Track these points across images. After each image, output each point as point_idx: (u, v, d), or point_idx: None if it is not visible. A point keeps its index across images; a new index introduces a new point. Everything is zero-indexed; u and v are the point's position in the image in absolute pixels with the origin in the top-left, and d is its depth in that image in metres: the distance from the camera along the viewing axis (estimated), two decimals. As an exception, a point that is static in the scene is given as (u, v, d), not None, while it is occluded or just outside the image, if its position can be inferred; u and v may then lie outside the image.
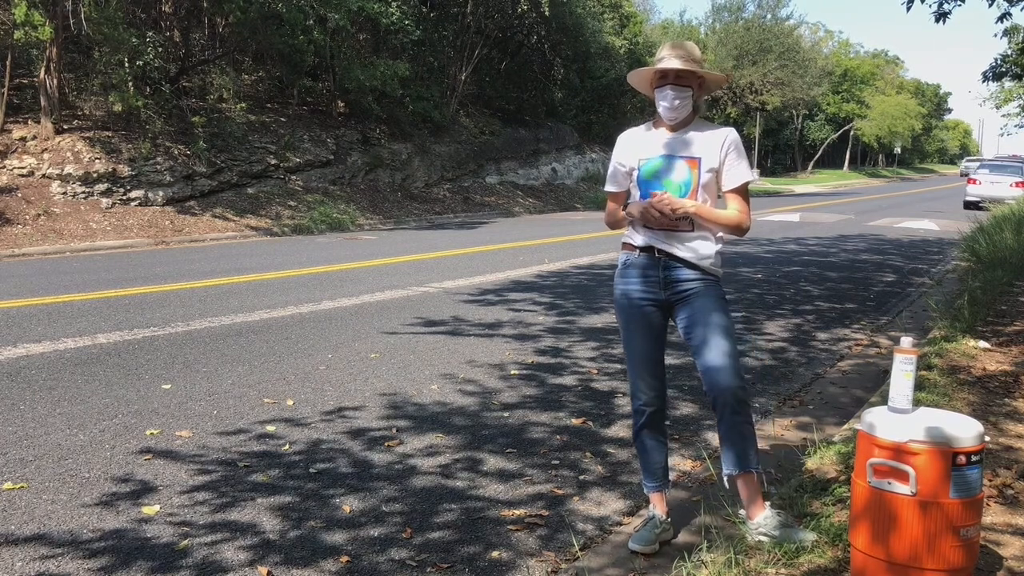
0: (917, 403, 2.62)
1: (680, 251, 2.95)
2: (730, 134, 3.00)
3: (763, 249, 12.82)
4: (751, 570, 2.64)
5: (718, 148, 2.95)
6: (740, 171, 2.97)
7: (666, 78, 2.90)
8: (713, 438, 4.30)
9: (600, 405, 4.81)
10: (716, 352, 2.88)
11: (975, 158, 64.74)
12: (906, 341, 2.60)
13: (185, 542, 3.03)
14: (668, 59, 2.91)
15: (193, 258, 11.29)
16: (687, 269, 2.96)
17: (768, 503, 2.98)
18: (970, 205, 23.99)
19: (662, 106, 2.94)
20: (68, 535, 3.08)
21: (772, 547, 2.75)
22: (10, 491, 3.44)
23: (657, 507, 3.09)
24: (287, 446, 4.02)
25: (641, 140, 3.04)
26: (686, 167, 2.93)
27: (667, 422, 3.22)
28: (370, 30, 20.14)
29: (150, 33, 15.82)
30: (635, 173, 3.00)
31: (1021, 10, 10.52)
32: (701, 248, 2.95)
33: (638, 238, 3.01)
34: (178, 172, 15.37)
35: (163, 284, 8.74)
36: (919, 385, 4.57)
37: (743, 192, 2.99)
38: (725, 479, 3.00)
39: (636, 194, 3.02)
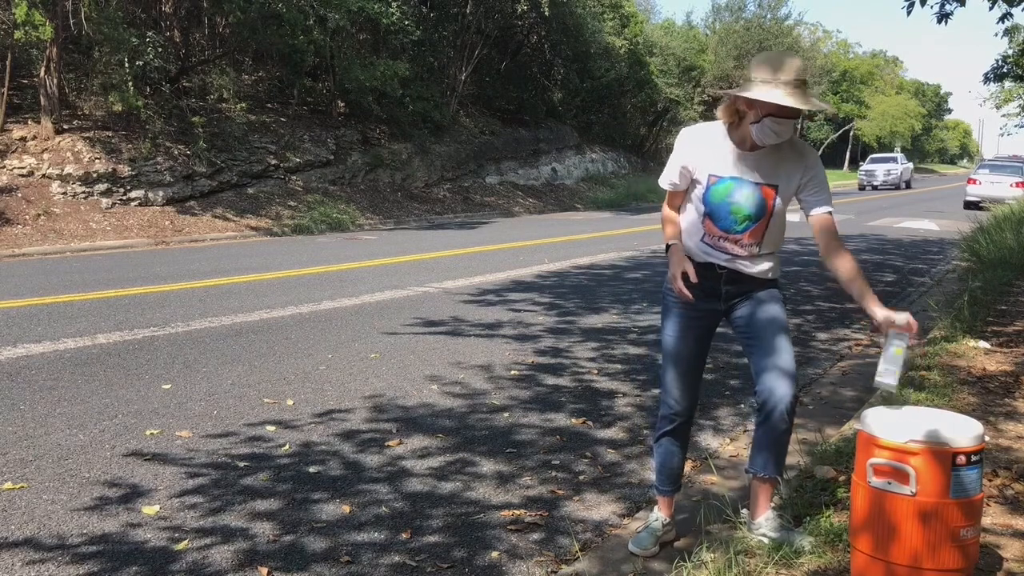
0: (917, 403, 2.62)
1: (744, 268, 2.82)
2: (810, 154, 2.80)
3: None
4: (751, 571, 2.63)
5: (797, 172, 2.74)
6: (827, 195, 2.75)
7: (785, 111, 2.58)
8: (713, 440, 4.30)
9: (600, 406, 4.80)
10: (779, 357, 2.76)
11: (883, 156, 44.02)
12: (902, 317, 2.56)
13: (184, 542, 3.03)
14: (797, 90, 2.55)
15: (193, 258, 11.29)
16: (749, 282, 2.85)
17: (771, 505, 2.97)
18: (970, 205, 23.98)
19: (772, 137, 2.63)
20: (68, 535, 3.07)
21: (772, 548, 2.75)
22: (10, 491, 3.44)
23: (663, 510, 3.07)
24: (286, 447, 4.02)
25: (715, 152, 2.76)
26: (760, 195, 2.72)
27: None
28: (370, 30, 20.15)
29: (150, 33, 15.83)
30: (701, 187, 2.78)
31: (1023, 10, 10.52)
32: (763, 264, 2.84)
33: (695, 252, 2.83)
34: (178, 172, 15.37)
35: (163, 284, 8.73)
36: (919, 385, 4.57)
37: (832, 221, 2.76)
38: (748, 475, 2.96)
39: (700, 208, 2.80)
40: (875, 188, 38.48)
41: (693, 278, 2.76)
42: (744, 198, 2.73)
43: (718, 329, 3.01)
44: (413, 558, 2.96)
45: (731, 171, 2.74)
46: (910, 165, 42.92)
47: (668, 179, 2.89)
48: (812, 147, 2.89)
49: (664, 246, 2.94)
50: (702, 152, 2.78)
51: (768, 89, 2.55)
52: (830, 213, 2.78)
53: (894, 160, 40.84)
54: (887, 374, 2.53)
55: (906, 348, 2.52)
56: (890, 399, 2.76)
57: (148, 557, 2.92)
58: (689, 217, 2.88)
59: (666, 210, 2.97)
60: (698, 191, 2.81)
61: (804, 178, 2.75)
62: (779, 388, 2.74)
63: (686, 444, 3.08)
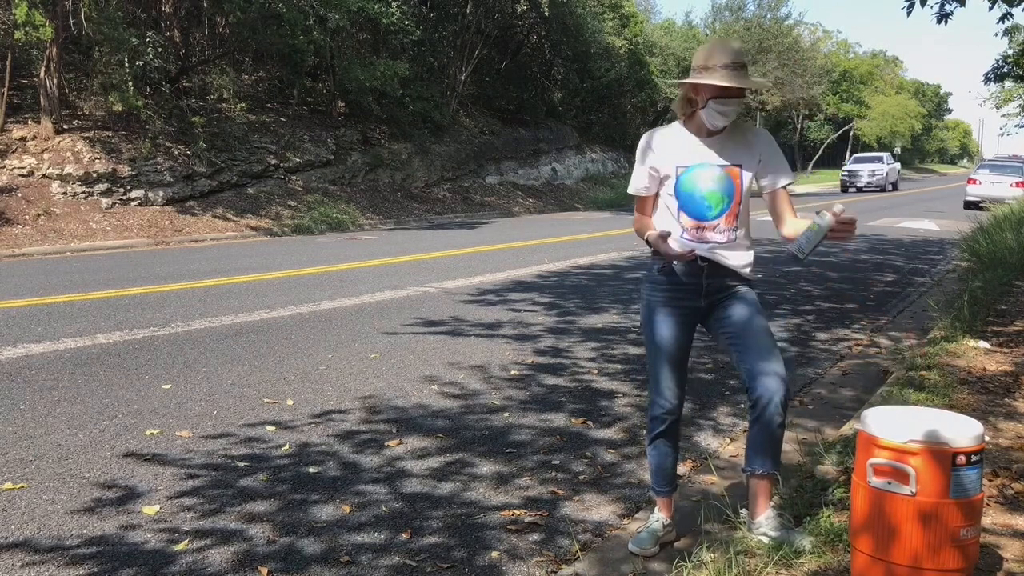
0: (917, 403, 2.62)
1: (723, 260, 2.88)
2: (765, 136, 2.95)
3: (763, 249, 12.80)
4: (751, 571, 2.63)
5: (757, 151, 2.88)
6: (786, 169, 2.92)
7: (729, 92, 2.73)
8: (713, 439, 4.30)
9: (599, 406, 4.80)
10: (767, 354, 2.82)
11: (868, 155, 40.04)
12: (838, 207, 2.68)
13: (184, 542, 3.03)
14: (734, 72, 2.71)
15: (193, 258, 11.29)
16: (728, 277, 2.91)
17: (771, 504, 2.97)
18: (970, 205, 23.98)
19: (720, 118, 2.77)
20: (68, 536, 3.07)
21: (772, 548, 2.75)
22: (10, 491, 3.44)
23: (663, 511, 3.07)
24: (287, 447, 4.02)
25: (676, 145, 2.88)
26: (727, 176, 2.83)
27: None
28: (370, 30, 20.16)
29: (150, 33, 15.84)
30: (671, 181, 2.88)
31: (1023, 10, 10.51)
32: (743, 256, 2.91)
33: (677, 245, 2.89)
34: (178, 172, 15.38)
35: (163, 284, 8.74)
36: (919, 385, 4.57)
37: (787, 190, 2.93)
38: (744, 475, 2.98)
39: (673, 204, 2.88)
40: (859, 190, 35.84)
41: (673, 243, 2.87)
42: (713, 181, 2.84)
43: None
44: (413, 558, 2.96)
45: (695, 158, 2.85)
46: (897, 166, 40.29)
47: (639, 184, 2.97)
48: (765, 129, 3.05)
49: (645, 242, 3.00)
50: (664, 149, 2.89)
51: (707, 74, 2.72)
52: (786, 187, 2.94)
53: (879, 160, 38.15)
54: (794, 244, 2.74)
55: (822, 228, 2.66)
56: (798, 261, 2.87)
57: (148, 557, 2.92)
58: (663, 218, 2.94)
59: (639, 219, 3.02)
60: (668, 186, 2.89)
61: (762, 154, 2.88)
62: (771, 383, 2.79)
63: (678, 442, 3.11)
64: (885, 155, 40.10)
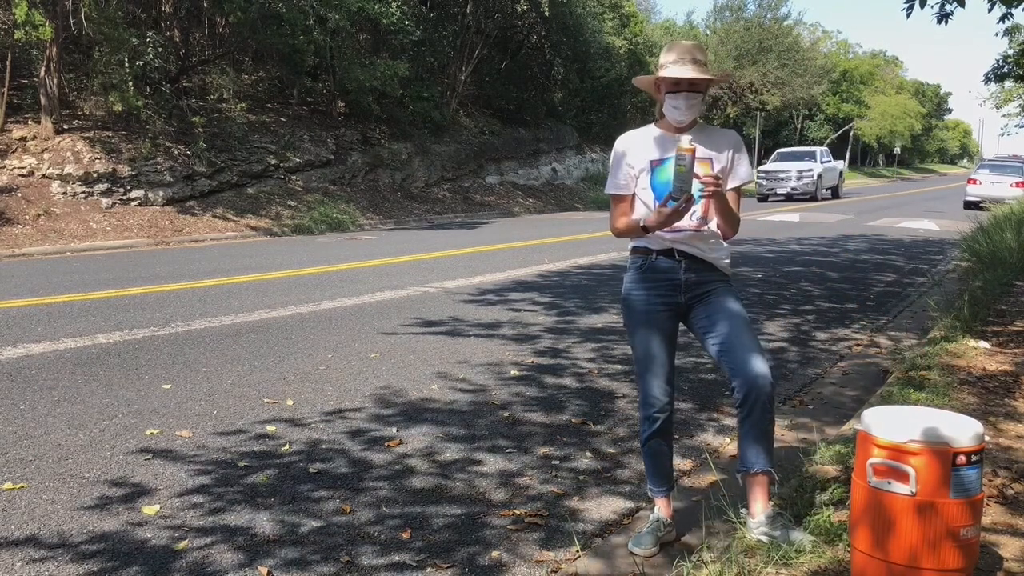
0: (917, 403, 2.62)
1: (700, 252, 2.94)
2: (734, 135, 3.04)
3: (764, 249, 12.82)
4: (751, 570, 2.63)
5: (727, 148, 2.97)
6: (744, 170, 3.02)
7: (679, 85, 2.86)
8: (714, 439, 4.30)
9: (599, 405, 4.80)
10: (748, 350, 2.86)
11: (796, 150, 30.83)
12: (685, 139, 2.74)
13: (184, 542, 3.03)
14: (682, 66, 2.85)
15: (193, 258, 11.29)
16: (707, 271, 2.96)
17: (770, 502, 2.98)
18: (970, 205, 23.98)
19: (675, 112, 2.91)
20: (68, 535, 3.07)
21: (772, 547, 2.75)
22: (10, 491, 3.44)
23: (662, 510, 3.08)
24: (287, 446, 4.02)
25: (648, 142, 2.98)
26: (699, 168, 2.90)
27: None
28: (370, 30, 20.17)
29: (150, 33, 15.84)
30: (646, 175, 2.96)
31: (1023, 11, 10.52)
32: (718, 249, 2.98)
33: (654, 241, 2.96)
34: (178, 172, 15.38)
35: (163, 284, 8.74)
36: (919, 385, 4.57)
37: (739, 190, 3.05)
38: (739, 476, 3.00)
39: (649, 197, 2.95)
40: (788, 198, 26.55)
41: (653, 239, 2.94)
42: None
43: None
44: (413, 558, 2.96)
45: (669, 152, 2.93)
46: (838, 165, 30.32)
47: (617, 183, 3.02)
48: (732, 130, 3.16)
49: (634, 246, 3.04)
50: (639, 147, 2.99)
51: (662, 71, 2.88)
52: (737, 189, 3.03)
53: (811, 157, 28.29)
54: (674, 191, 2.77)
55: (687, 163, 2.72)
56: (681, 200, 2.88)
57: (148, 557, 2.92)
58: (641, 214, 2.99)
59: (620, 219, 3.02)
60: (643, 182, 2.97)
61: (734, 154, 3.00)
62: (758, 380, 2.82)
63: (671, 439, 3.13)
64: (819, 150, 30.15)
